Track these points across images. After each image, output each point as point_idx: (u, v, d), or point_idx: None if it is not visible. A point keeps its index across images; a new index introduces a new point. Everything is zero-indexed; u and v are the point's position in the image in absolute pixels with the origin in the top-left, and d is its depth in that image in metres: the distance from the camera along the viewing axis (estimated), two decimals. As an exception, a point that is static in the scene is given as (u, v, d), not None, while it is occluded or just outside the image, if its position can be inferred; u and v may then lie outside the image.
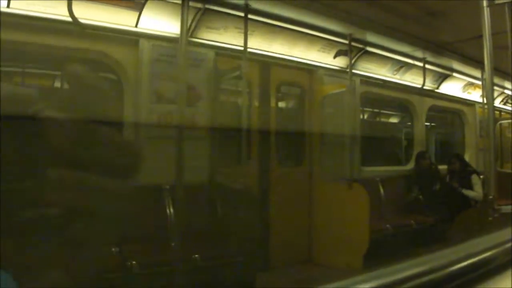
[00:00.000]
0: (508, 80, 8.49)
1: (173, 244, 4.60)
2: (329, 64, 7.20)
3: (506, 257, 1.45)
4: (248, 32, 5.71)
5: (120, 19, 5.10)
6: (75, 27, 4.62)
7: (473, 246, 1.47)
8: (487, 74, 4.13)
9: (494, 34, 4.15)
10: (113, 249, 4.44)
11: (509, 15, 4.39)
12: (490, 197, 4.00)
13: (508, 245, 1.51)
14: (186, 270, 4.58)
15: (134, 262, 4.43)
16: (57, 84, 5.26)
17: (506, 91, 10.53)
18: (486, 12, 4.07)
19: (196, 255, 4.78)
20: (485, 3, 4.12)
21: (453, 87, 9.71)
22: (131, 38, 5.28)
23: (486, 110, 5.40)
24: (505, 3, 4.34)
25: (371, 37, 7.07)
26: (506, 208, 4.04)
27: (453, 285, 1.19)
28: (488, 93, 4.22)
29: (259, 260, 5.83)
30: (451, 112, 10.83)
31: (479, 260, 1.34)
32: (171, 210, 5.06)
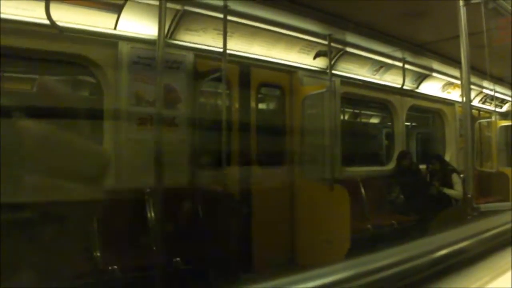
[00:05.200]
0: (486, 79, 8.58)
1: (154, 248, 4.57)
2: (309, 65, 7.22)
3: (479, 248, 1.46)
4: (228, 34, 5.70)
5: (98, 21, 5.07)
6: (52, 30, 4.59)
7: (447, 237, 1.48)
8: (464, 73, 4.15)
9: (472, 33, 4.17)
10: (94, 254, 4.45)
11: (485, 14, 4.43)
12: (469, 195, 4.01)
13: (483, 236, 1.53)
14: (167, 273, 4.54)
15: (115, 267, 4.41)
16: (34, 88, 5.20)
17: (485, 91, 10.63)
18: (463, 11, 4.09)
19: (177, 258, 4.77)
20: (461, 3, 4.14)
21: (432, 87, 9.78)
22: (110, 41, 5.25)
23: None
24: (481, 2, 4.37)
25: (350, 38, 7.10)
26: (485, 207, 4.06)
27: (430, 272, 1.19)
28: (465, 92, 4.24)
29: (241, 262, 5.83)
30: (431, 112, 10.90)
31: (453, 251, 1.35)
32: (152, 213, 5.04)
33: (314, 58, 7.11)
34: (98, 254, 4.48)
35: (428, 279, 1.18)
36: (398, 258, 1.13)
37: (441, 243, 1.35)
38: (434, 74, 9.36)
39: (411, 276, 1.12)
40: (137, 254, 4.68)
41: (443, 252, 1.28)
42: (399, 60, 8.23)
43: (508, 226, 1.77)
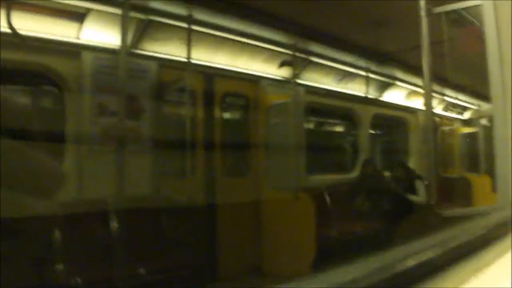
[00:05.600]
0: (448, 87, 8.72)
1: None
2: (274, 75, 7.24)
3: (448, 255, 1.47)
4: (192, 43, 5.68)
5: (61, 30, 4.99)
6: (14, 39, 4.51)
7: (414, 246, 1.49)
8: (425, 82, 4.22)
9: (435, 43, 4.24)
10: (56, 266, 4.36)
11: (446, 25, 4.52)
12: (432, 202, 4.07)
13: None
14: (131, 285, 4.49)
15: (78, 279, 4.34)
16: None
17: (447, 98, 10.80)
18: (424, 22, 4.15)
19: (142, 269, 4.71)
20: (423, 13, 4.20)
21: (396, 96, 9.89)
22: (73, 50, 5.17)
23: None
24: (442, 12, 4.45)
25: (315, 47, 7.15)
26: (447, 213, 4.11)
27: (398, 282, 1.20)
28: (427, 101, 4.31)
29: (206, 272, 5.80)
30: (395, 120, 11.00)
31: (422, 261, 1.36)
32: (115, 224, 4.97)
33: (279, 67, 7.14)
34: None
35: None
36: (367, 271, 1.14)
37: (408, 252, 1.36)
38: (398, 83, 9.47)
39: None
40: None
41: (412, 262, 1.29)
42: (363, 69, 8.31)
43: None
